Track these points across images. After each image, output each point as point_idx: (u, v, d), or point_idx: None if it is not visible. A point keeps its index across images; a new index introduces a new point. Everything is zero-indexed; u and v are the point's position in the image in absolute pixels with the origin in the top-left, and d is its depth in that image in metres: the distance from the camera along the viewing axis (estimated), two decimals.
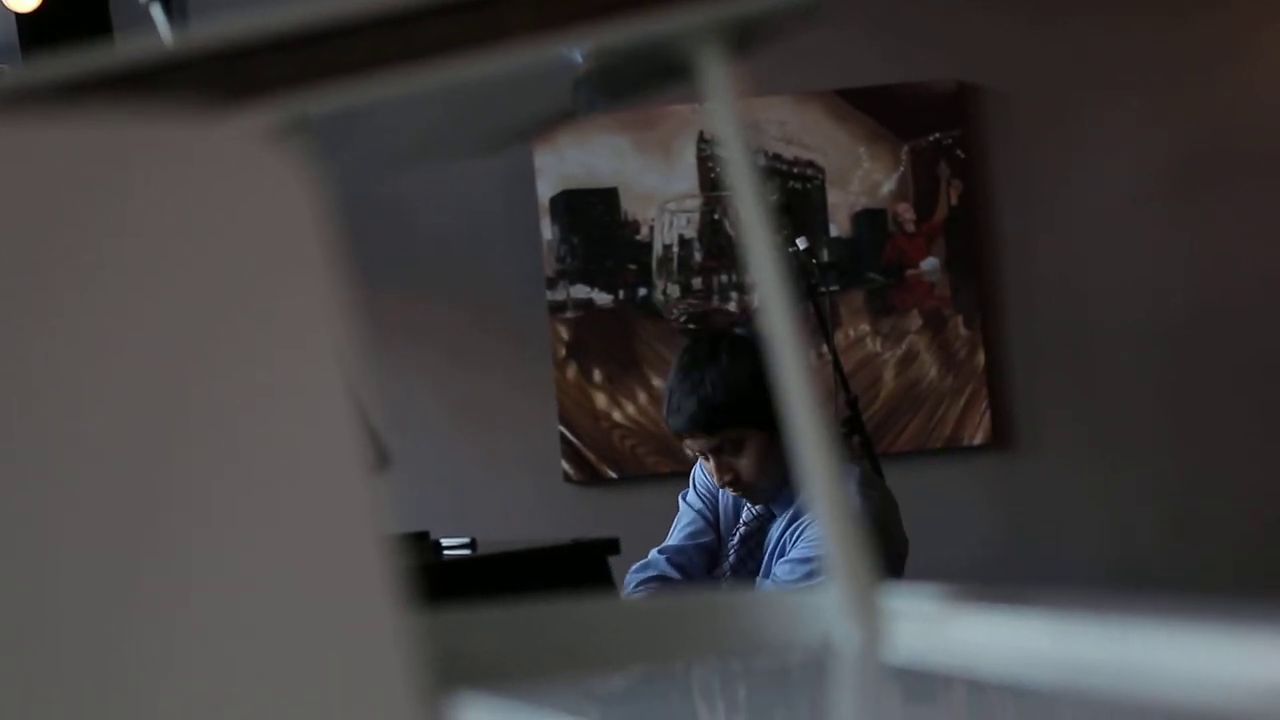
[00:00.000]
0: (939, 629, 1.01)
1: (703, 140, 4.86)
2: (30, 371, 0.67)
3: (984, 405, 4.91)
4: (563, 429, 4.87)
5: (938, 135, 4.93)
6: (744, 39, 1.05)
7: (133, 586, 0.66)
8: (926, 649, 1.01)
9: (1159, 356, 4.94)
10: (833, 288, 4.75)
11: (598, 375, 4.87)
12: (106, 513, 0.66)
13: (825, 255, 4.83)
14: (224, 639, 0.66)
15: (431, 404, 4.88)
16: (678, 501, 3.38)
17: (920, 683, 1.03)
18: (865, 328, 4.92)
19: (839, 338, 4.80)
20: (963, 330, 4.92)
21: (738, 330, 4.36)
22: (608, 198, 4.87)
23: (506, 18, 1.00)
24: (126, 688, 0.65)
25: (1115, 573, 4.87)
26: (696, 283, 4.87)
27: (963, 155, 4.94)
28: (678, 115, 4.84)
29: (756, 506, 3.24)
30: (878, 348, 4.92)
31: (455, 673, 1.01)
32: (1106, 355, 4.95)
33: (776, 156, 4.89)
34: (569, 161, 4.86)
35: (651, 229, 4.87)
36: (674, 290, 4.87)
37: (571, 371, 4.87)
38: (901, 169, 4.93)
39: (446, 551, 3.26)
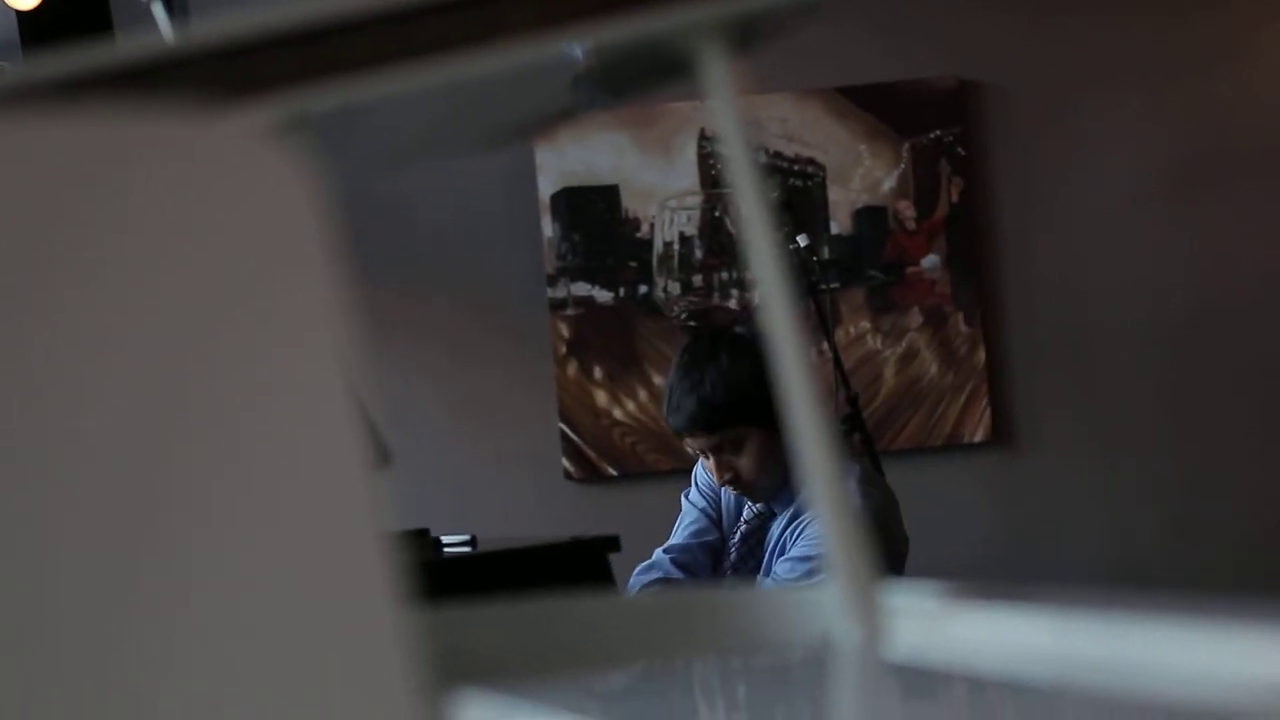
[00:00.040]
0: (939, 627, 1.01)
1: (703, 137, 4.85)
2: (30, 369, 0.66)
3: (984, 403, 4.91)
4: (563, 426, 4.87)
5: (938, 133, 4.93)
6: (745, 36, 1.05)
7: (133, 585, 0.66)
8: (927, 646, 1.01)
9: (1159, 356, 4.94)
10: (833, 285, 4.75)
11: (598, 372, 4.87)
12: (106, 511, 0.66)
13: (826, 252, 4.83)
14: (224, 638, 0.66)
15: (432, 401, 4.88)
16: (680, 500, 3.38)
17: (921, 680, 1.03)
18: (866, 325, 4.92)
19: (839, 335, 4.80)
20: (963, 328, 4.92)
21: (738, 328, 4.36)
22: (608, 195, 4.87)
23: (507, 14, 1.00)
24: (126, 687, 0.65)
25: (1115, 571, 4.87)
26: (697, 280, 4.87)
27: (963, 153, 4.94)
28: (678, 112, 4.84)
29: (757, 505, 3.24)
30: (878, 345, 4.92)
31: (456, 670, 1.01)
32: (1107, 353, 4.95)
33: (777, 154, 4.89)
34: (570, 159, 4.86)
35: (652, 226, 4.87)
36: (675, 287, 4.87)
37: (572, 369, 4.87)
38: (902, 166, 4.93)
39: (447, 549, 3.26)
